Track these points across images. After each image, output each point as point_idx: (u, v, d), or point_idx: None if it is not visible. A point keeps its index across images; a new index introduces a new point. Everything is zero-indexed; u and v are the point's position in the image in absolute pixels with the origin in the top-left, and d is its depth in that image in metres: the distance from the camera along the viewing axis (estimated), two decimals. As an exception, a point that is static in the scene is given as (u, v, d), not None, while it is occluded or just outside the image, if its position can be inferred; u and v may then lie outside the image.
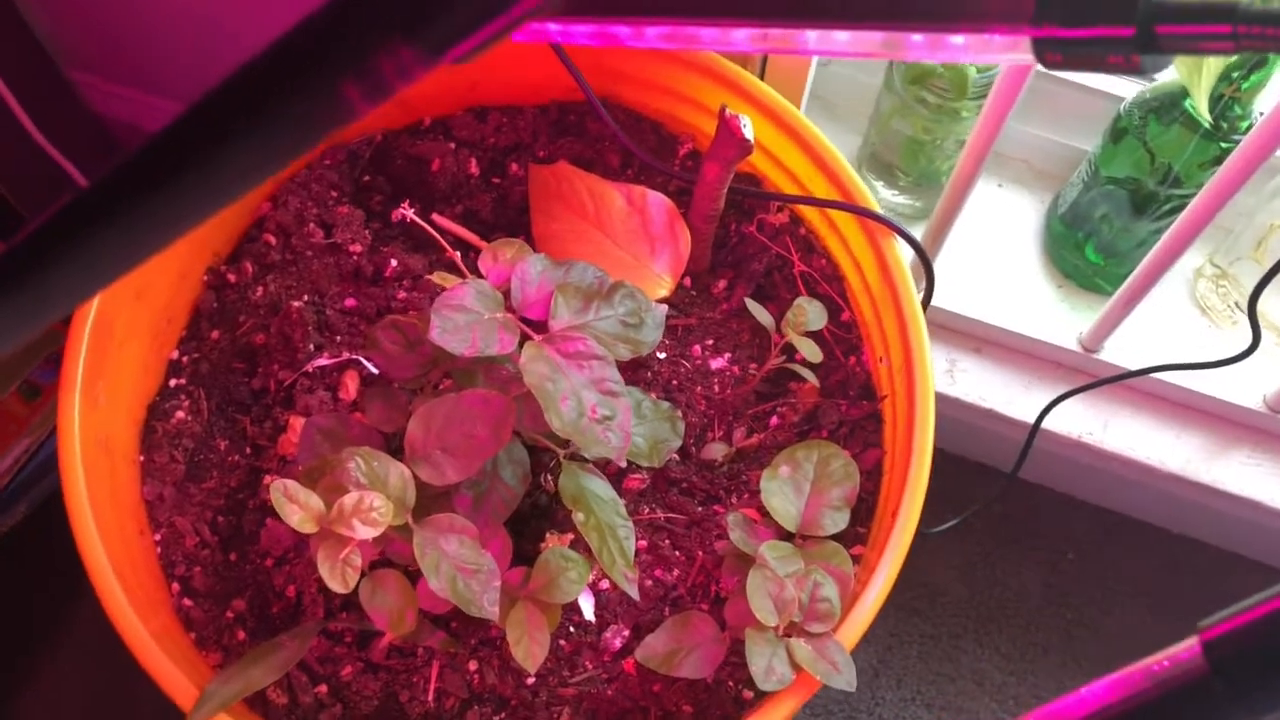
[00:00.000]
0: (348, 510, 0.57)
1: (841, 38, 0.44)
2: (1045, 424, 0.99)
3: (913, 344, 0.68)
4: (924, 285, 0.77)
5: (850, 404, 0.74)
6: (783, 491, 0.67)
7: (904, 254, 0.73)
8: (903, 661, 1.15)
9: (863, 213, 0.72)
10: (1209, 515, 1.06)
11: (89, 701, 1.10)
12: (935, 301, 1.00)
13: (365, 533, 0.56)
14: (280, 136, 0.27)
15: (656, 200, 0.76)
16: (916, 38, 0.41)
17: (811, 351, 0.71)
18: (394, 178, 0.82)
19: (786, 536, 0.67)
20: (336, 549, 0.57)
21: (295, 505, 0.57)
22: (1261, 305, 1.01)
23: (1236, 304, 1.02)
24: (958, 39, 0.40)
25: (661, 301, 0.76)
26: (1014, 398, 1.00)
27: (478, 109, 0.83)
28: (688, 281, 0.79)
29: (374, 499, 0.57)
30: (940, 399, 1.01)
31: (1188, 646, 0.33)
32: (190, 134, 0.28)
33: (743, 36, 0.47)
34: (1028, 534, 1.18)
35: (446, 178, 0.80)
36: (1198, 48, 0.35)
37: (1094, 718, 0.34)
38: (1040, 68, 0.39)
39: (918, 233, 0.88)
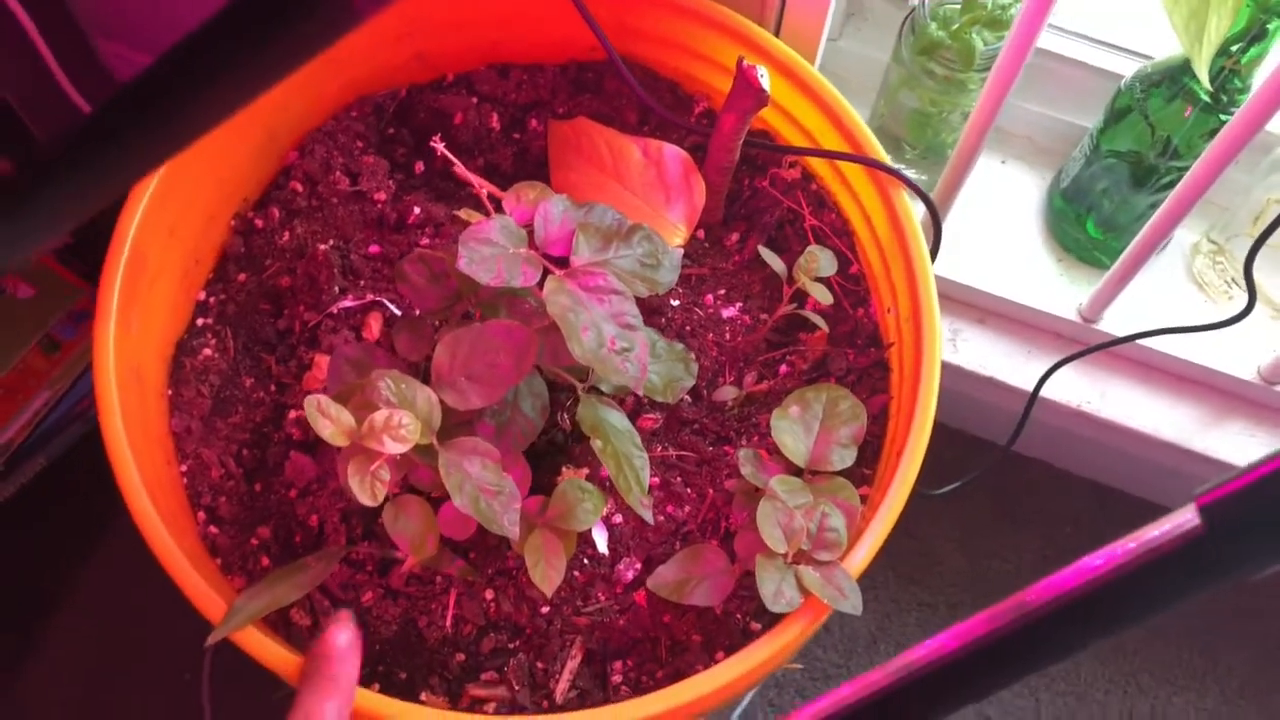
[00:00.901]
0: (378, 426, 0.59)
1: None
2: (1045, 393, 1.01)
3: (920, 289, 0.70)
4: (932, 237, 0.79)
5: (858, 353, 0.77)
6: (792, 430, 0.70)
7: (914, 206, 0.75)
8: (901, 629, 1.17)
9: (874, 164, 0.74)
10: (1203, 488, 1.08)
11: (95, 659, 1.12)
12: (940, 272, 1.03)
13: (394, 448, 0.58)
14: (289, 41, 0.29)
15: (672, 152, 0.79)
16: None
17: (823, 295, 0.73)
18: (418, 130, 0.84)
19: (795, 472, 0.69)
20: (366, 463, 0.59)
21: (328, 420, 0.59)
22: (1256, 277, 1.04)
23: (1233, 280, 1.05)
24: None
25: (680, 250, 0.78)
26: (1015, 366, 1.03)
27: (500, 66, 0.86)
28: (701, 233, 0.81)
29: (403, 416, 0.59)
30: (943, 368, 1.04)
31: (1184, 512, 0.35)
32: (208, 39, 0.30)
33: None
34: (1026, 507, 1.20)
35: (469, 131, 0.83)
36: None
37: (1097, 582, 0.37)
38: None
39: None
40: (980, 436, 1.19)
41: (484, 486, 0.61)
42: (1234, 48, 0.86)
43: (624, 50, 0.83)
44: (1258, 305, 1.05)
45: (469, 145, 0.83)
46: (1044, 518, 1.20)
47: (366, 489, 0.59)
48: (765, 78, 0.70)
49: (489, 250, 0.63)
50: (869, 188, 0.76)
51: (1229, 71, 0.88)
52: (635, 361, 0.63)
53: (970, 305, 1.05)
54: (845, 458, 0.70)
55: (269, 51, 0.30)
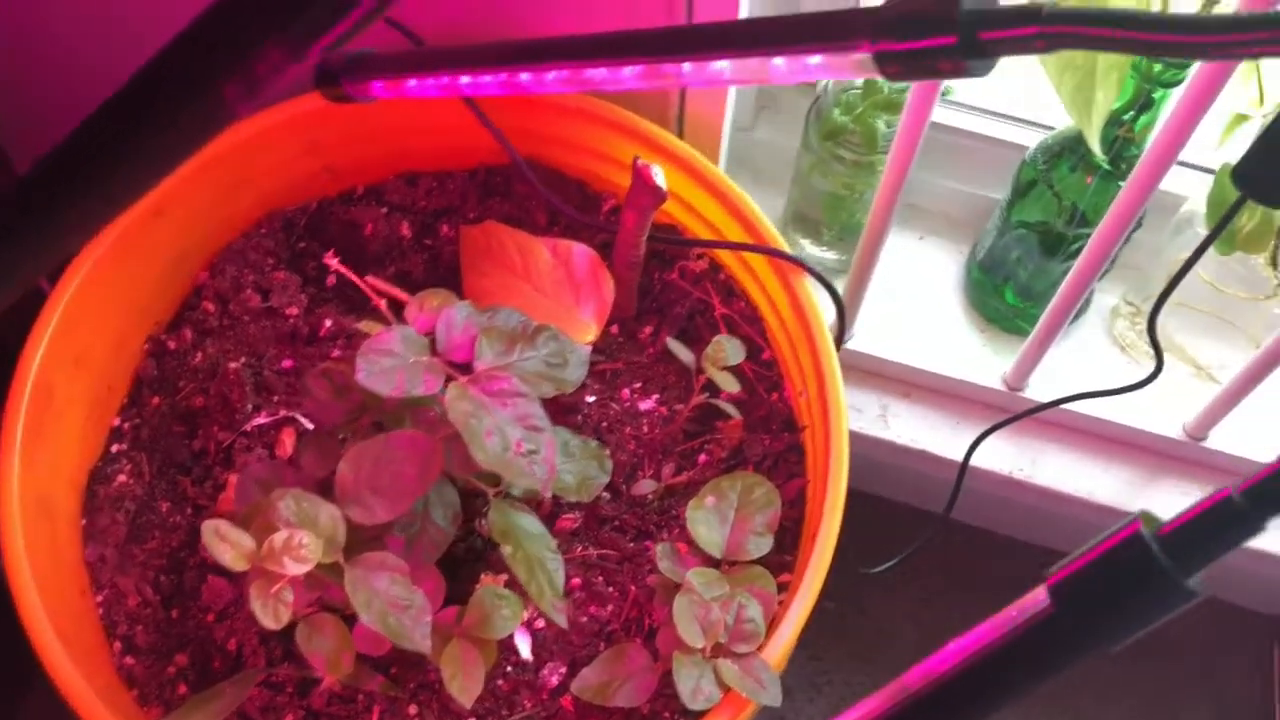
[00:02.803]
0: (278, 547, 0.58)
1: (718, 68, 0.47)
2: (978, 463, 1.02)
3: (825, 372, 0.71)
4: (836, 319, 0.80)
5: (773, 438, 0.77)
6: (708, 520, 0.70)
7: (817, 292, 0.76)
8: (858, 710, 1.15)
9: (774, 253, 0.76)
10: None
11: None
12: (866, 349, 1.04)
13: (295, 569, 0.58)
14: (169, 138, 0.30)
15: (580, 251, 0.80)
16: (778, 62, 0.45)
17: (729, 383, 0.74)
18: (329, 243, 0.85)
19: (713, 564, 0.69)
20: (267, 585, 0.58)
21: (226, 544, 0.58)
22: (1176, 338, 1.06)
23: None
24: (814, 60, 0.44)
25: (589, 347, 0.78)
26: (944, 438, 1.03)
27: (408, 175, 0.87)
28: (615, 329, 0.82)
29: (303, 536, 0.59)
30: (874, 443, 1.04)
31: (1036, 593, 0.36)
32: (95, 137, 0.30)
33: (630, 74, 0.51)
34: (972, 577, 1.20)
35: (379, 241, 0.83)
36: (1016, 49, 0.38)
37: (961, 666, 0.37)
38: (885, 80, 0.43)
39: (843, 284, 0.92)
40: (922, 509, 1.19)
41: (392, 601, 0.61)
42: (1125, 117, 0.89)
43: (530, 153, 0.85)
44: (1181, 364, 1.07)
45: (380, 255, 0.84)
46: (992, 585, 1.20)
47: (269, 612, 0.58)
48: (660, 175, 0.71)
49: (389, 361, 0.64)
50: (772, 276, 0.78)
51: (1123, 139, 0.91)
52: (542, 463, 0.63)
53: (897, 380, 1.06)
54: (761, 545, 0.70)
55: (149, 145, 0.30)
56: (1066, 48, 0.37)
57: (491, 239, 0.83)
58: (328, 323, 0.80)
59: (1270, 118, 0.66)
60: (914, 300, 1.09)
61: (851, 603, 1.17)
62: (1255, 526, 0.33)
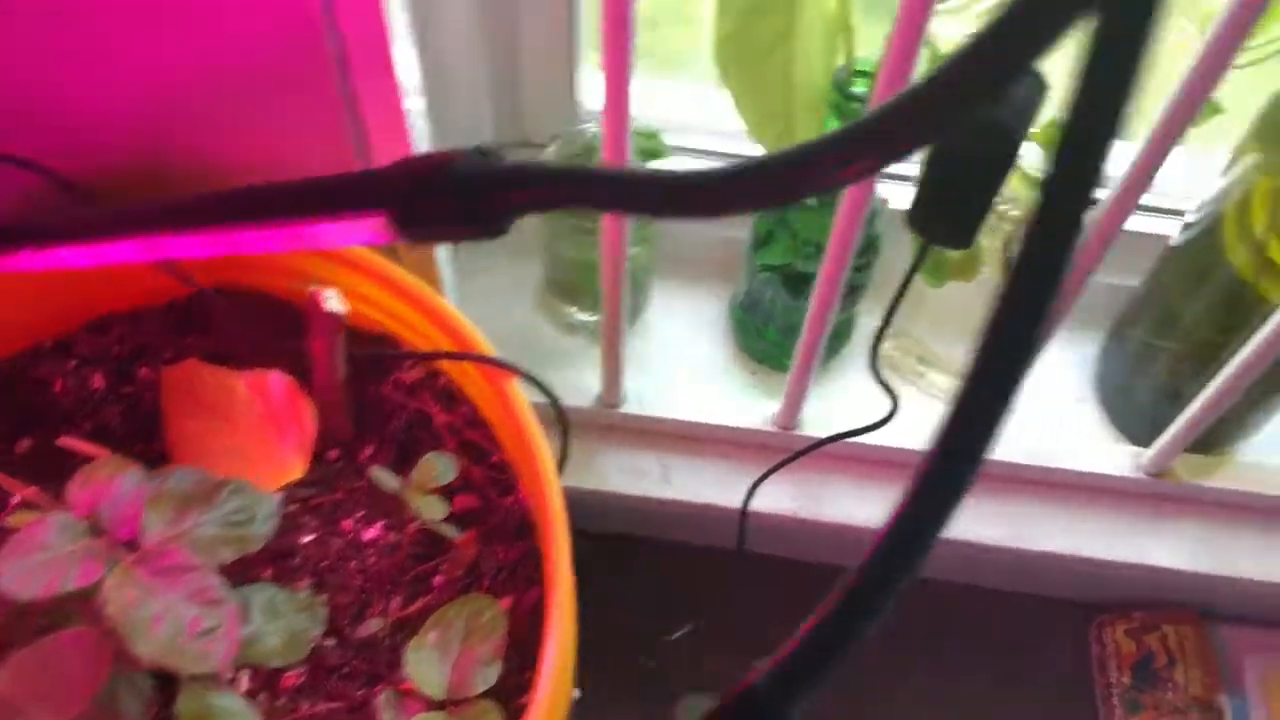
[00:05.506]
0: (-85, 796, 0.53)
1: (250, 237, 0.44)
2: (761, 507, 1.00)
3: (543, 474, 0.68)
4: (558, 423, 0.77)
5: (508, 546, 0.74)
6: (429, 660, 0.66)
7: (531, 392, 0.73)
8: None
9: (472, 358, 0.72)
10: (933, 561, 1.09)
11: None
12: (643, 410, 1.02)
13: (-62, 816, 0.52)
14: None
15: (276, 380, 0.75)
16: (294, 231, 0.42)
17: (433, 509, 0.70)
18: (16, 405, 0.79)
19: (439, 706, 0.65)
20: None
21: None
22: (939, 350, 1.05)
23: (920, 358, 1.06)
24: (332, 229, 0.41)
25: (299, 483, 0.74)
26: (726, 489, 1.01)
27: (99, 321, 0.81)
28: (335, 454, 0.78)
29: (-54, 776, 0.53)
30: (659, 503, 1.02)
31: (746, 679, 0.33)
32: None
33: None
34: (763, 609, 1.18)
35: (70, 397, 0.78)
36: (522, 212, 0.36)
37: None
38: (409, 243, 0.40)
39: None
40: (715, 547, 1.16)
41: (69, 821, 0.56)
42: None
43: (231, 279, 0.80)
44: (950, 377, 1.07)
45: (72, 412, 0.78)
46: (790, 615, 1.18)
47: None
48: (333, 299, 0.68)
49: (40, 556, 0.58)
50: (483, 379, 0.74)
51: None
52: (221, 639, 0.59)
53: (675, 435, 1.04)
54: (489, 677, 0.66)
55: None
56: (564, 207, 0.34)
57: (194, 378, 0.78)
58: (16, 499, 0.74)
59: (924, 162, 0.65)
60: (685, 352, 1.07)
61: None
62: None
